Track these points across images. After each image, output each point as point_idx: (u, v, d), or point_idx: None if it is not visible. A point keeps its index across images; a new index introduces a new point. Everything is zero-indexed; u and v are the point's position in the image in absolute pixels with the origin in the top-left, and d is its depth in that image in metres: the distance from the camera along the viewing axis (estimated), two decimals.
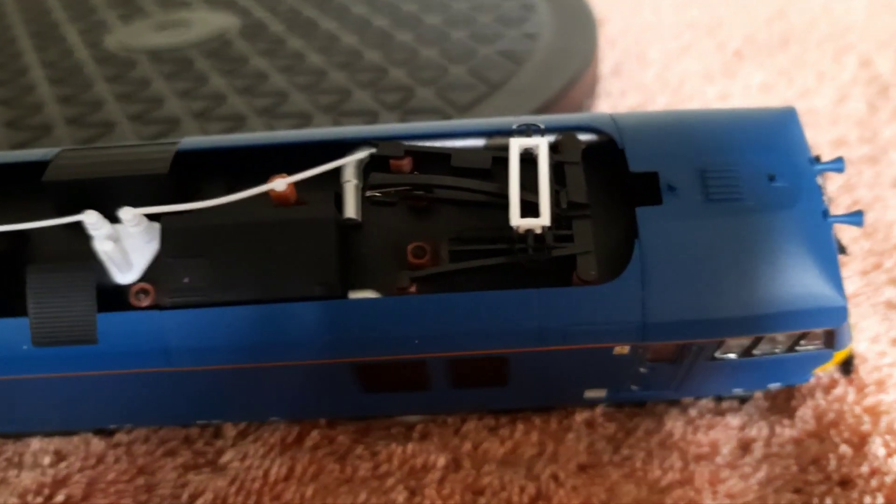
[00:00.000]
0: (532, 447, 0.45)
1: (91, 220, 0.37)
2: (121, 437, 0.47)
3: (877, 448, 0.41)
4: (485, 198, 0.38)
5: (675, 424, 0.45)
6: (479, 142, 0.41)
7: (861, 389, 0.45)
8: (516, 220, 0.36)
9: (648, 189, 0.38)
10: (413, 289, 0.37)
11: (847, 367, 0.46)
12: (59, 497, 0.43)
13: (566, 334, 0.37)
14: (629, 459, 0.44)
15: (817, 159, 0.40)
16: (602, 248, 0.38)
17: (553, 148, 0.40)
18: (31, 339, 0.36)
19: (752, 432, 0.45)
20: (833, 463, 0.42)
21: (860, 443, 0.42)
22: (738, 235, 0.37)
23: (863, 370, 0.46)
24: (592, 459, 0.44)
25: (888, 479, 0.40)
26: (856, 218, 0.38)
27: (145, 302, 0.38)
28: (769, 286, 0.36)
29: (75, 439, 0.47)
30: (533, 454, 0.45)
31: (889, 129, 0.70)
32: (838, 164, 0.39)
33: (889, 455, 0.41)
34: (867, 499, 0.39)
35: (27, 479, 0.44)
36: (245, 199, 0.37)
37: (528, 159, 0.38)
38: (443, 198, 0.39)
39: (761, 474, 0.43)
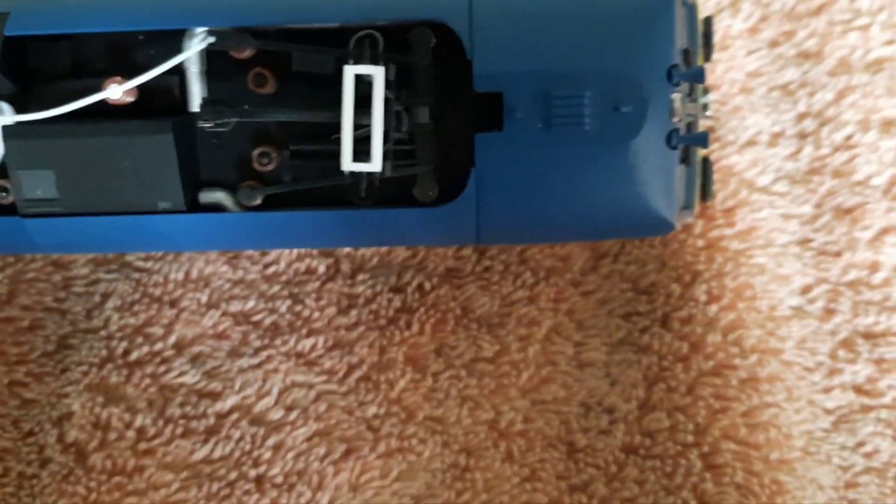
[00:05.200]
0: (406, 250, 0.50)
1: None
2: None
3: (700, 293, 0.46)
4: (325, 118, 0.37)
5: None
6: None
7: (710, 220, 0.47)
8: (348, 164, 0.36)
9: (490, 106, 0.37)
10: (259, 201, 0.39)
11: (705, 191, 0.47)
12: None
13: (406, 244, 0.40)
14: (488, 270, 0.49)
15: (686, 54, 0.37)
16: (443, 161, 0.38)
17: (399, 40, 0.37)
18: None
19: (606, 245, 0.49)
20: (661, 298, 0.47)
21: (690, 281, 0.46)
22: (573, 166, 0.37)
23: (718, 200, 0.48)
24: (458, 265, 0.49)
25: (688, 331, 0.46)
26: (701, 139, 0.38)
27: (6, 200, 0.40)
28: (600, 214, 0.38)
29: None
30: (406, 256, 0.50)
31: None
32: (698, 75, 0.37)
33: (709, 302, 0.46)
34: (676, 344, 0.46)
35: None
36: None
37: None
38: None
39: (601, 294, 0.48)
